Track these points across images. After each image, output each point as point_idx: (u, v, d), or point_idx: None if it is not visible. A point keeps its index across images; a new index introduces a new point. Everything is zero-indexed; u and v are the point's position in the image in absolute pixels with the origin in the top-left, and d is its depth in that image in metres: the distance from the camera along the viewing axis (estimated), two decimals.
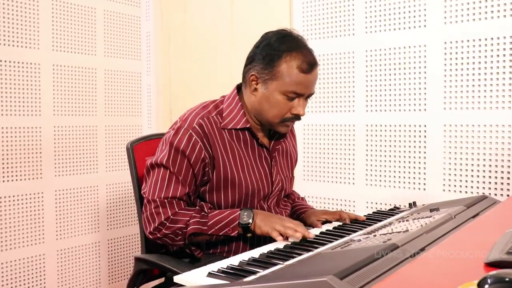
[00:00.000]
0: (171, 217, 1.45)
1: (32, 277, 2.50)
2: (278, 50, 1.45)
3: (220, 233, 1.44)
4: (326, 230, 1.46)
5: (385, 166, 2.20)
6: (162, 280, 1.71)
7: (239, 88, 1.60)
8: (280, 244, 1.32)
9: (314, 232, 1.44)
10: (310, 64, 1.46)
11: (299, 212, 1.73)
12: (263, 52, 1.48)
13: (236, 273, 1.06)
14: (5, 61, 2.38)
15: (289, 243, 1.32)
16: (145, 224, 1.49)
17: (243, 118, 1.53)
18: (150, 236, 1.48)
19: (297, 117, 1.50)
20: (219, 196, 1.51)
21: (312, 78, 1.48)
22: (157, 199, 1.45)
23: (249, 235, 1.45)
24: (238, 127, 1.52)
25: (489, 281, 0.64)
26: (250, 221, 1.41)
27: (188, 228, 1.43)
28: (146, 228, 1.49)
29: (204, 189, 1.52)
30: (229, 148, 1.51)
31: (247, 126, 1.53)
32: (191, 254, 1.51)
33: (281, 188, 1.64)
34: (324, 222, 1.61)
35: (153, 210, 1.46)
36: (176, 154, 1.45)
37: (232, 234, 1.43)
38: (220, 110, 1.54)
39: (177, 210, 1.46)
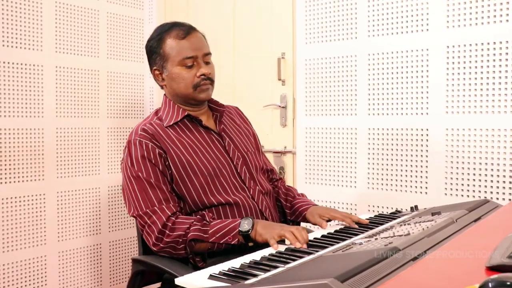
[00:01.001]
0: (169, 224, 1.46)
1: (33, 279, 2.50)
2: (157, 35, 1.65)
3: (221, 241, 1.44)
4: (327, 233, 1.46)
5: (387, 169, 2.20)
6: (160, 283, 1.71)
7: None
8: (281, 247, 1.32)
9: (315, 235, 1.44)
10: (184, 30, 1.62)
11: (301, 209, 1.72)
12: (150, 45, 1.66)
13: (238, 275, 1.06)
14: (8, 63, 2.38)
15: (291, 246, 1.32)
16: (146, 239, 1.51)
17: (179, 110, 1.65)
18: (154, 248, 1.49)
19: (205, 77, 1.61)
20: (186, 186, 1.55)
21: (194, 39, 1.63)
22: (147, 210, 1.49)
23: (250, 244, 1.45)
24: (179, 119, 1.62)
25: (490, 285, 0.64)
26: (250, 228, 1.42)
27: (189, 235, 1.44)
28: (148, 242, 1.50)
29: (173, 185, 1.56)
30: (177, 141, 1.58)
31: (186, 113, 1.63)
32: (193, 264, 1.51)
33: (244, 162, 1.68)
34: (328, 220, 1.61)
35: (148, 221, 1.48)
36: (138, 163, 1.52)
37: (232, 242, 1.44)
38: (158, 116, 1.66)
39: (169, 213, 1.48)
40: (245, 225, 1.44)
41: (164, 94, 1.72)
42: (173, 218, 1.48)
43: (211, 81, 1.64)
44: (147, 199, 1.50)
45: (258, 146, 1.85)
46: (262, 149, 1.90)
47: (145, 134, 1.55)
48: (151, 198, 1.50)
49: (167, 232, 1.46)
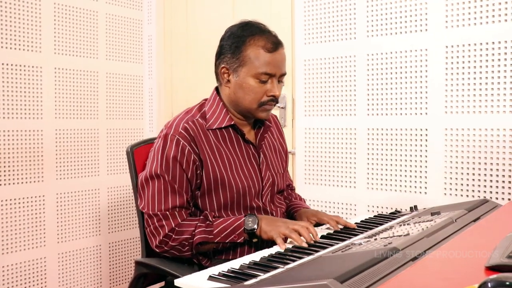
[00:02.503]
0: (176, 228, 1.45)
1: (33, 281, 2.50)
2: (242, 36, 1.51)
3: (227, 241, 1.44)
4: (327, 234, 1.46)
5: (386, 169, 2.20)
6: (162, 284, 1.71)
7: (217, 89, 1.62)
8: (287, 245, 1.33)
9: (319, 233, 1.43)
10: (274, 43, 1.50)
11: (293, 211, 1.72)
12: (228, 43, 1.53)
13: (237, 276, 1.06)
14: (7, 64, 2.38)
15: (290, 247, 1.32)
16: (150, 239, 1.49)
17: (226, 116, 1.55)
18: (157, 250, 1.48)
19: (274, 99, 1.52)
20: (211, 199, 1.51)
21: (279, 57, 1.51)
22: (159, 212, 1.45)
23: (255, 240, 1.45)
24: (223, 126, 1.53)
25: (489, 285, 0.64)
26: (255, 226, 1.42)
27: (195, 238, 1.43)
28: (152, 242, 1.48)
29: (197, 193, 1.52)
30: (216, 150, 1.51)
31: (232, 123, 1.54)
32: (198, 263, 1.50)
33: (272, 184, 1.63)
34: (316, 225, 1.59)
35: (156, 224, 1.46)
36: (168, 162, 1.46)
37: (238, 241, 1.44)
38: (203, 112, 1.56)
39: (180, 220, 1.46)
40: (249, 222, 1.43)
41: (217, 90, 1.61)
42: (181, 222, 1.46)
43: (277, 102, 1.55)
44: (163, 201, 1.46)
45: (287, 164, 1.78)
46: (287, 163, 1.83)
47: (185, 135, 1.47)
48: (167, 202, 1.45)
49: (173, 236, 1.44)
